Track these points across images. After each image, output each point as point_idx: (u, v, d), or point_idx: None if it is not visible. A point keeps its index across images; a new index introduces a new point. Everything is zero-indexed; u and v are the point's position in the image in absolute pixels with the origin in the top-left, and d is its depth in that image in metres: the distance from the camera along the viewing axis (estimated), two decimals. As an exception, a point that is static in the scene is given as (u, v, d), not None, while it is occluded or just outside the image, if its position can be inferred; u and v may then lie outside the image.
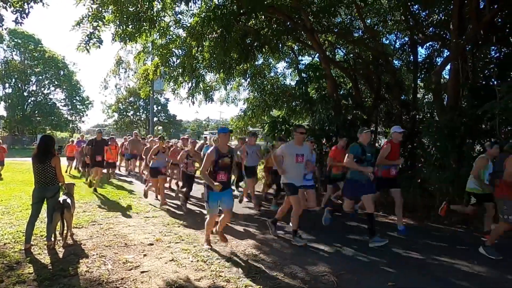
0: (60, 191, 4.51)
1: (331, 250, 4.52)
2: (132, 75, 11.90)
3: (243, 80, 14.65)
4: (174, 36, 10.37)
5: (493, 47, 8.16)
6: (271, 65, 14.86)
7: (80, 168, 12.70)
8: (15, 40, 33.06)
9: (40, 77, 35.90)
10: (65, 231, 4.54)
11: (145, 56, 11.46)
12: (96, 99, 64.95)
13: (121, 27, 8.92)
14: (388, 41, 11.96)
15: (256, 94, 14.57)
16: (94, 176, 8.70)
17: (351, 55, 12.12)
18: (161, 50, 9.94)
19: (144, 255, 4.14)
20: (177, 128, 32.70)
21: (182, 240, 4.80)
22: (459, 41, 7.02)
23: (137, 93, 14.20)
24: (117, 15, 8.40)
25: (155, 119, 32.90)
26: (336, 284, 3.40)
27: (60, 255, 4.08)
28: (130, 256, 4.08)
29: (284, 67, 15.10)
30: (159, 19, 9.73)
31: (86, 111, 39.31)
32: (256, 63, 13.68)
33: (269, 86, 14.45)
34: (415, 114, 9.88)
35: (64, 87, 36.85)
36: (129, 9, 8.73)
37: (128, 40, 9.37)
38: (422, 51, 12.83)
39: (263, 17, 10.13)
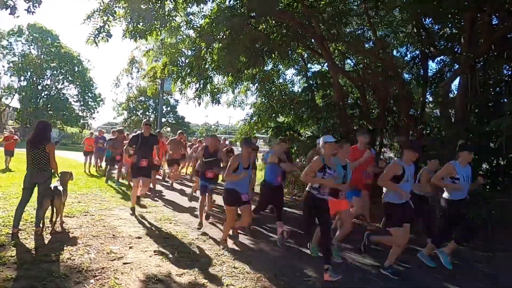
0: (52, 177, 4.50)
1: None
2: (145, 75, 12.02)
3: (251, 85, 14.71)
4: (184, 36, 10.46)
5: (505, 65, 8.01)
6: (280, 71, 14.85)
7: (99, 166, 11.83)
8: (34, 34, 33.83)
9: (55, 72, 36.55)
10: (54, 218, 4.51)
11: (154, 54, 11.55)
12: (107, 96, 65.85)
13: (132, 24, 9.03)
14: (399, 54, 11.87)
15: (263, 100, 14.56)
16: (137, 191, 5.96)
17: (361, 65, 12.05)
18: (170, 49, 10.00)
19: (130, 248, 4.09)
20: (185, 130, 32.79)
21: (171, 235, 4.74)
22: (469, 54, 6.89)
23: (153, 93, 14.30)
24: (128, 11, 8.51)
25: (164, 119, 33.16)
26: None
27: (46, 242, 4.06)
28: (116, 247, 4.03)
29: (293, 74, 15.07)
30: (171, 18, 9.83)
31: (97, 108, 39.86)
32: (265, 68, 13.74)
33: (277, 92, 14.42)
34: (423, 128, 9.73)
35: (78, 83, 37.44)
36: (141, 6, 8.85)
37: (138, 38, 9.47)
38: (433, 66, 12.70)
39: (273, 21, 10.16)
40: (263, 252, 4.45)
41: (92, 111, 39.85)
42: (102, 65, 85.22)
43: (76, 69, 36.86)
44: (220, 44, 9.88)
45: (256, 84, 14.48)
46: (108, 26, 8.29)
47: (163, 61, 10.77)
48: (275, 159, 4.86)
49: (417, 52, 10.93)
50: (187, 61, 10.69)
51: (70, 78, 37.54)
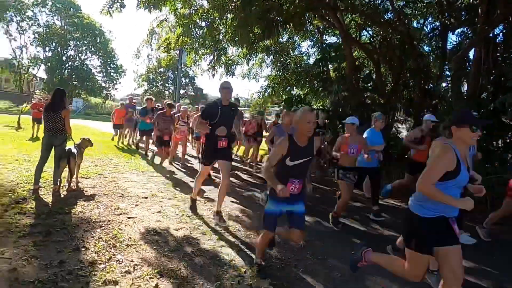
0: (67, 140, 4.91)
1: (310, 220, 4.67)
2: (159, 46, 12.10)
3: (266, 57, 14.67)
4: (197, 7, 10.48)
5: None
6: (296, 43, 14.70)
7: (133, 140, 10.82)
8: (57, 5, 34.40)
9: (78, 43, 37.32)
10: (69, 178, 4.98)
11: (169, 25, 11.65)
12: (128, 68, 66.55)
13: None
14: (418, 25, 11.44)
15: (278, 72, 14.53)
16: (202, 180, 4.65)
17: (378, 37, 11.73)
18: (182, 19, 10.09)
19: (136, 205, 4.50)
20: (203, 102, 33.23)
21: (175, 198, 5.13)
22: (484, 26, 6.65)
23: (167, 64, 14.51)
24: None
25: (183, 91, 33.64)
26: (303, 247, 3.58)
27: (62, 197, 4.52)
28: (123, 205, 4.46)
29: (308, 46, 14.84)
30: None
31: (119, 79, 40.71)
32: (281, 40, 13.62)
33: (292, 65, 14.34)
34: (437, 103, 9.57)
35: (100, 54, 38.19)
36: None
37: (152, 8, 9.63)
38: (453, 38, 12.20)
39: (286, -10, 9.98)
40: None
41: (114, 82, 40.75)
42: (123, 36, 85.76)
43: (98, 40, 37.43)
44: (233, 15, 9.88)
45: (271, 56, 14.46)
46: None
47: (177, 32, 10.89)
48: None
49: (437, 24, 10.54)
50: (200, 32, 10.79)
51: (92, 49, 38.25)
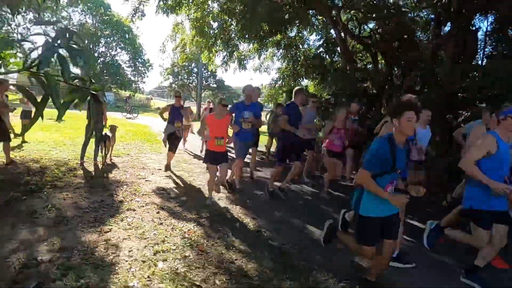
0: (103, 128, 6.73)
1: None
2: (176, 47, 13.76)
3: (276, 51, 16.04)
4: (209, 10, 12.05)
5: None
6: (304, 37, 15.92)
7: None
8: (88, 4, 37.33)
9: (108, 40, 40.28)
10: (105, 155, 6.81)
11: (184, 27, 13.28)
12: (155, 62, 70.00)
13: (163, 1, 10.84)
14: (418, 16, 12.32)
15: (289, 64, 15.88)
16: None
17: (379, 29, 12.75)
18: (195, 23, 11.69)
19: (152, 174, 6.26)
20: (224, 94, 34.96)
21: (183, 170, 6.84)
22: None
23: (190, 58, 16.17)
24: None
25: (206, 83, 35.60)
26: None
27: (100, 168, 6.34)
28: (143, 173, 6.22)
29: (315, 40, 16.02)
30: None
31: (147, 73, 43.46)
32: (290, 34, 14.97)
33: (301, 58, 15.62)
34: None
35: (129, 49, 40.99)
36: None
37: (169, 13, 11.32)
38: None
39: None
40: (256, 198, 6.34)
41: (142, 76, 43.58)
42: (149, 31, 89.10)
43: (127, 36, 40.15)
44: (241, 16, 11.37)
45: (282, 50, 15.82)
46: (143, 6, 10.25)
47: (192, 33, 12.53)
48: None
49: (432, 16, 11.42)
50: (212, 32, 12.37)
51: (122, 44, 41.11)
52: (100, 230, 3.53)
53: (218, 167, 4.87)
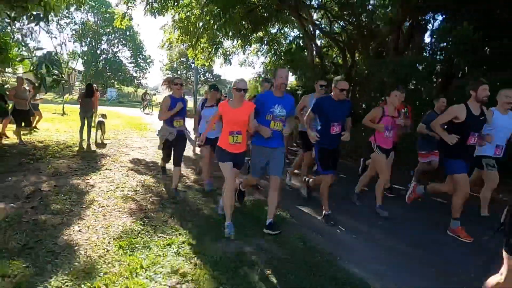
0: (94, 115, 8.41)
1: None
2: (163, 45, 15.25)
3: (260, 46, 17.58)
4: (193, 12, 13.63)
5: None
6: (286, 33, 17.43)
7: None
8: (89, 2, 39.16)
9: (110, 37, 42.20)
10: (98, 137, 8.49)
11: (171, 29, 14.83)
12: (155, 58, 72.20)
13: (149, 4, 12.42)
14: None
15: (271, 58, 17.44)
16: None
17: (350, 26, 14.20)
18: (179, 24, 13.28)
19: (132, 150, 7.93)
20: (221, 88, 36.53)
21: (157, 152, 8.47)
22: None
23: (177, 58, 17.80)
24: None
25: (203, 78, 37.31)
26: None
27: (93, 147, 8.03)
28: (124, 150, 7.90)
29: (295, 36, 17.48)
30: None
31: (148, 69, 45.34)
32: (272, 31, 16.54)
33: (284, 52, 17.14)
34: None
35: (130, 46, 42.82)
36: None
37: (157, 15, 12.92)
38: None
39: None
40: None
41: (144, 71, 45.47)
42: (150, 28, 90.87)
43: (128, 33, 41.95)
44: (220, 17, 12.92)
45: (265, 46, 17.37)
46: (131, 10, 11.88)
47: (178, 33, 14.12)
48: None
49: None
50: (196, 31, 13.95)
51: (123, 41, 42.99)
52: (83, 178, 5.22)
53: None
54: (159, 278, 2.68)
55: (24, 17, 7.01)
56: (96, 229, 3.48)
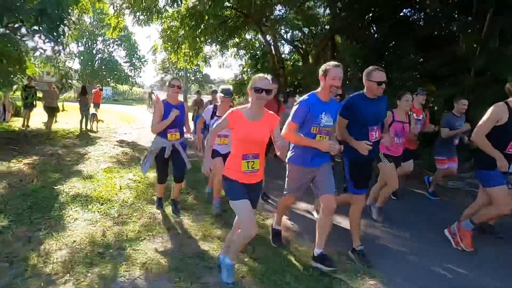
0: (88, 109, 11.04)
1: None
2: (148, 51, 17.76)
3: (237, 51, 20.18)
4: (174, 23, 16.21)
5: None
6: (259, 39, 20.00)
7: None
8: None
9: (105, 37, 44.66)
10: (92, 126, 11.11)
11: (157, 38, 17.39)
12: (149, 58, 74.83)
13: (136, 17, 14.97)
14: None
15: (248, 61, 20.05)
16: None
17: (309, 34, 16.81)
18: (162, 33, 15.89)
19: (119, 136, 10.56)
20: (209, 87, 39.10)
21: (141, 137, 11.12)
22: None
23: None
24: (135, 8, 14.41)
25: (193, 78, 39.92)
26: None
27: (90, 135, 10.62)
28: (114, 135, 10.53)
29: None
30: (164, 10, 15.60)
31: (143, 68, 47.94)
32: (247, 37, 19.16)
33: (260, 55, 19.74)
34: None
35: (124, 46, 45.38)
36: (143, 3, 14.74)
37: (143, 25, 15.50)
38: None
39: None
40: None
41: (139, 70, 48.06)
42: (143, 30, 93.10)
43: (122, 33, 44.44)
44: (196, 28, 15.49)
45: (242, 50, 19.99)
46: (120, 23, 14.47)
47: (162, 41, 16.69)
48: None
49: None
50: (177, 39, 16.54)
51: (118, 41, 45.49)
52: (83, 148, 7.89)
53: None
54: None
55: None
56: (92, 165, 6.17)
